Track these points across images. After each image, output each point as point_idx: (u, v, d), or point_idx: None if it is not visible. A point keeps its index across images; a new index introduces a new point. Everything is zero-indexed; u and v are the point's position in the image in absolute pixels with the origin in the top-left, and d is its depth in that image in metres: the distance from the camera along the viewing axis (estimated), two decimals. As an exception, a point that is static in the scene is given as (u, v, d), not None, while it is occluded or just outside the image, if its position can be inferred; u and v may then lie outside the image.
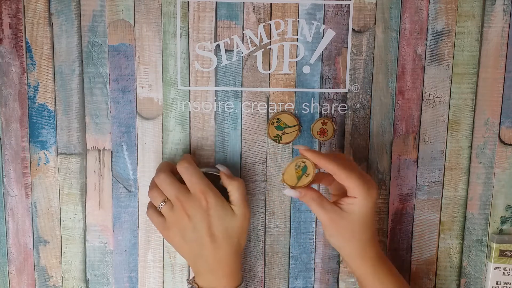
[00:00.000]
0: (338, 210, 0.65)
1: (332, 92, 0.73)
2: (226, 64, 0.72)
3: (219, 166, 0.70)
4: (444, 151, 0.74)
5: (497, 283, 0.76)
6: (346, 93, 0.73)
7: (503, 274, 0.75)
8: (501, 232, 0.76)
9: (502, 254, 0.75)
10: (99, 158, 0.73)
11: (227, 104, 0.73)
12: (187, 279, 0.72)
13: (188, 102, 0.73)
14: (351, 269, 0.69)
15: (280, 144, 0.74)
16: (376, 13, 0.71)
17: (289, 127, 0.73)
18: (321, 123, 0.73)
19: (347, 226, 0.66)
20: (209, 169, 0.73)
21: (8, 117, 0.72)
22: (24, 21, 0.70)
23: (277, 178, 0.74)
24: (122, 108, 0.72)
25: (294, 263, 0.76)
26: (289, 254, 0.76)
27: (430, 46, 0.72)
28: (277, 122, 0.73)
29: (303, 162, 0.66)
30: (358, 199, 0.64)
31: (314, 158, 0.65)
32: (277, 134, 0.73)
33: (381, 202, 0.75)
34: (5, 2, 0.70)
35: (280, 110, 0.73)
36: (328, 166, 0.64)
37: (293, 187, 0.66)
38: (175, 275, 0.76)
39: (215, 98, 0.73)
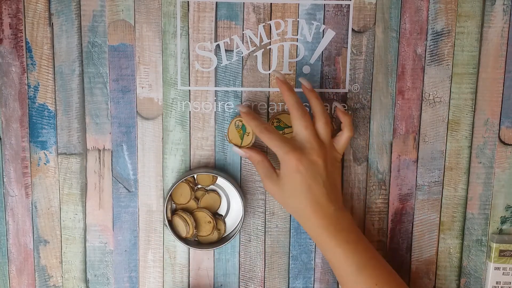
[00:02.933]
0: (274, 175, 0.68)
1: (332, 92, 0.73)
2: (226, 64, 0.72)
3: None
4: (444, 151, 0.74)
5: (497, 283, 0.76)
6: (346, 93, 0.73)
7: (503, 274, 0.75)
8: (501, 232, 0.76)
9: (502, 254, 0.75)
10: (99, 158, 0.73)
11: (227, 104, 0.73)
12: None
13: (188, 102, 0.73)
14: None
15: (280, 144, 0.74)
16: (376, 13, 0.72)
17: (289, 127, 0.73)
18: (321, 123, 0.73)
19: (281, 192, 0.68)
20: (208, 170, 0.73)
21: (8, 117, 0.72)
22: (24, 21, 0.70)
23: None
24: (122, 108, 0.73)
25: (294, 263, 0.76)
26: (289, 254, 0.76)
27: (430, 46, 0.72)
28: (277, 122, 0.73)
29: (240, 121, 0.71)
30: (281, 165, 0.67)
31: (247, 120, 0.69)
32: (277, 134, 0.73)
33: (381, 202, 0.75)
34: (5, 2, 0.70)
35: (280, 110, 0.73)
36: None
37: (240, 147, 0.71)
38: (175, 275, 0.76)
39: (215, 98, 0.73)
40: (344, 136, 0.69)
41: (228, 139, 0.72)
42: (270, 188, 0.69)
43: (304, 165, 0.65)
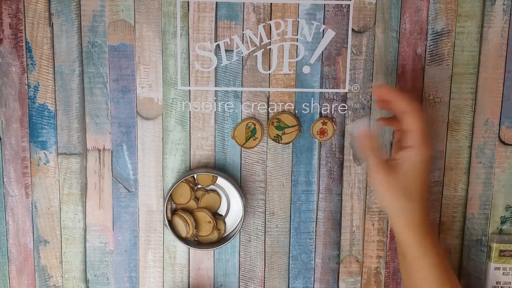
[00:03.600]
0: (391, 165, 0.64)
1: (332, 92, 0.73)
2: (226, 64, 0.72)
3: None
4: (444, 151, 0.74)
5: (497, 283, 0.76)
6: (346, 93, 0.73)
7: (503, 274, 0.75)
8: (501, 232, 0.76)
9: (502, 254, 0.75)
10: (99, 158, 0.73)
11: (227, 104, 0.73)
12: None
13: (188, 102, 0.73)
14: (394, 233, 0.66)
15: (280, 144, 0.74)
16: (376, 13, 0.72)
17: (289, 127, 0.73)
18: (321, 123, 0.73)
19: (396, 182, 0.64)
20: (208, 170, 0.73)
21: (8, 117, 0.72)
22: (24, 21, 0.70)
23: (278, 178, 0.74)
24: (122, 108, 0.73)
25: (294, 263, 0.76)
26: (289, 254, 0.76)
27: (430, 46, 0.72)
28: (277, 122, 0.73)
29: (254, 124, 0.71)
30: (414, 148, 0.63)
31: (390, 95, 0.65)
32: (277, 134, 0.73)
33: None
34: (5, 2, 0.70)
35: (280, 110, 0.73)
36: (401, 106, 0.64)
37: (241, 147, 0.73)
38: (175, 275, 0.76)
39: (215, 98, 0.73)
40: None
41: (232, 134, 0.72)
42: (381, 175, 0.64)
43: (432, 157, 0.65)
